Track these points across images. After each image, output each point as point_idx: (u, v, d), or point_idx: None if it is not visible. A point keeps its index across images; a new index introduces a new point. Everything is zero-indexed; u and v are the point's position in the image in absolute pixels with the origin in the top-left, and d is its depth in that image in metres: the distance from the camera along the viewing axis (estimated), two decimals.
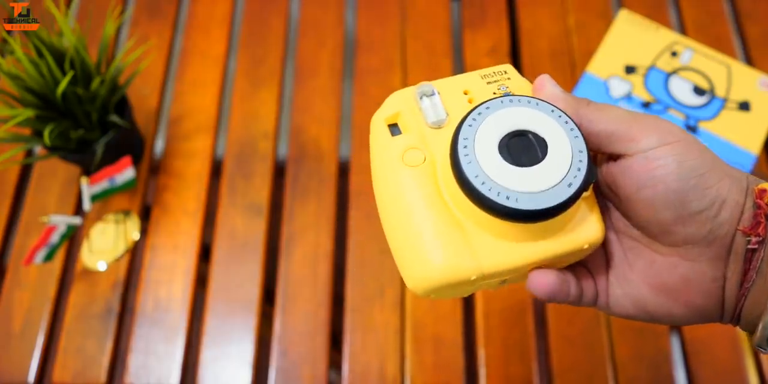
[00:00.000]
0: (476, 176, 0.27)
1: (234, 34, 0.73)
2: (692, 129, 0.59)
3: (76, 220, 0.57)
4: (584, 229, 0.29)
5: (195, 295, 0.59)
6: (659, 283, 0.29)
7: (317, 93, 0.68)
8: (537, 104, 0.28)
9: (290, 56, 0.72)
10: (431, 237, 0.28)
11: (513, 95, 0.29)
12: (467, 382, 0.56)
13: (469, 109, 0.29)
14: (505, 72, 0.31)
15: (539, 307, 0.59)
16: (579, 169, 0.27)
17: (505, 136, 0.27)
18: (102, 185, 0.58)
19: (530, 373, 0.56)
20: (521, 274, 0.30)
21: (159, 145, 0.67)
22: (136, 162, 0.64)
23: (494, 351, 0.56)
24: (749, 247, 0.27)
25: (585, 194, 0.28)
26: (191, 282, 0.59)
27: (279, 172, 0.66)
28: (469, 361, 0.57)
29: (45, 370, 0.57)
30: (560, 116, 0.28)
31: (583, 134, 0.28)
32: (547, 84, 0.30)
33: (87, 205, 0.57)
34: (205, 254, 0.62)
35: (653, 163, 0.26)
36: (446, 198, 0.29)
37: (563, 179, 0.27)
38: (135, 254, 0.61)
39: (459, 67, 0.71)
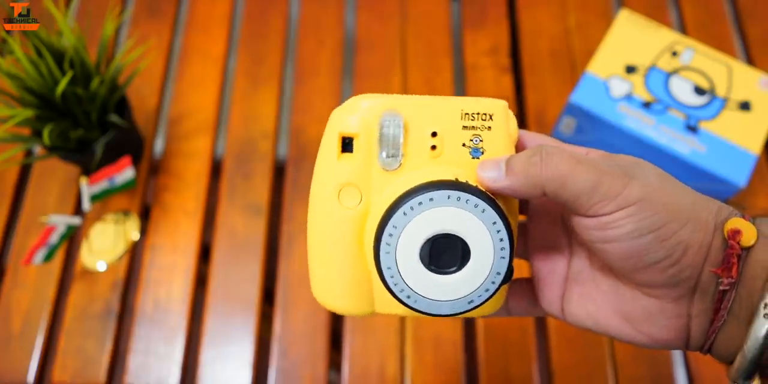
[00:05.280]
0: (388, 268, 0.27)
1: (234, 34, 0.73)
2: (692, 129, 0.59)
3: (76, 220, 0.57)
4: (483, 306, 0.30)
5: (195, 295, 0.59)
6: (623, 310, 0.29)
7: (317, 93, 0.68)
8: (483, 211, 0.27)
9: (290, 56, 0.72)
10: (340, 278, 0.30)
11: (467, 185, 0.27)
12: (467, 382, 0.56)
13: (413, 189, 0.27)
14: (491, 117, 0.28)
15: None
16: (487, 290, 0.28)
17: (435, 235, 0.27)
18: (101, 185, 0.58)
19: (530, 373, 0.55)
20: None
21: (159, 145, 0.67)
22: (136, 162, 0.64)
23: (494, 351, 0.56)
24: (721, 288, 0.26)
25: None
26: (191, 282, 0.59)
27: (279, 172, 0.66)
28: (469, 361, 0.57)
29: (44, 371, 0.57)
30: (499, 231, 0.27)
31: (511, 258, 0.27)
32: (495, 181, 0.27)
33: (86, 205, 0.57)
34: (204, 254, 0.62)
35: (608, 226, 0.26)
36: (365, 247, 0.29)
37: (467, 295, 0.28)
38: (135, 254, 0.61)
39: (459, 67, 0.71)
